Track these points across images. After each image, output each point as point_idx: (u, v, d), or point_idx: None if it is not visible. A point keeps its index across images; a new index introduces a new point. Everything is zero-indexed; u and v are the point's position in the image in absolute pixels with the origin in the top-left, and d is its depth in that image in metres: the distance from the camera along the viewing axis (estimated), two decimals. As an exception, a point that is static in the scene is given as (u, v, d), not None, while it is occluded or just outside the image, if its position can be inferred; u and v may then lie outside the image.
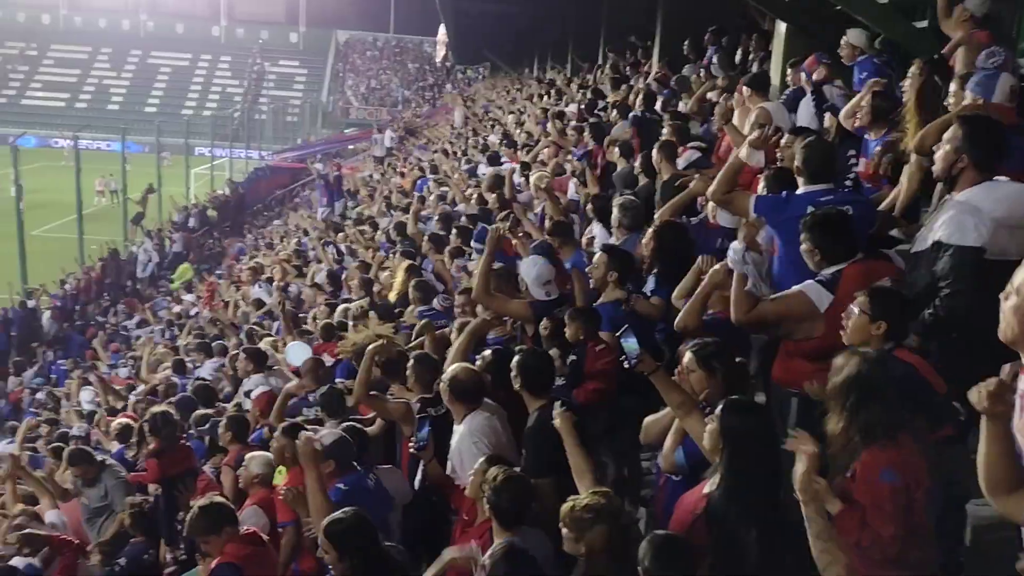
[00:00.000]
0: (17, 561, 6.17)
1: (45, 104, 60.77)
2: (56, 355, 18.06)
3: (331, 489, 4.61)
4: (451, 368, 4.79)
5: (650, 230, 5.40)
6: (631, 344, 3.84)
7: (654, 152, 6.96)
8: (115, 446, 8.50)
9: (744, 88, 7.21)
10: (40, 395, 14.51)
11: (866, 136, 5.53)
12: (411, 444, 4.66)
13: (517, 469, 3.97)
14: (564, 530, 3.36)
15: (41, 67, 64.34)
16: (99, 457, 7.47)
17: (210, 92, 64.23)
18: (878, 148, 5.29)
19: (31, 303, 20.60)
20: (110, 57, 65.67)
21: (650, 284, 5.38)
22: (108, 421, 9.96)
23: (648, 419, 4.19)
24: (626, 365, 3.87)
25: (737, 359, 3.99)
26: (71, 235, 26.83)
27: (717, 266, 4.35)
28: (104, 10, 67.66)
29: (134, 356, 15.06)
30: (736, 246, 4.17)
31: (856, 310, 3.50)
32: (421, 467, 4.88)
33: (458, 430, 4.66)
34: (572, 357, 5.09)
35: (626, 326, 3.98)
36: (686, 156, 7.14)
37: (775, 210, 4.45)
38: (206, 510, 4.61)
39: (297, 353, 7.25)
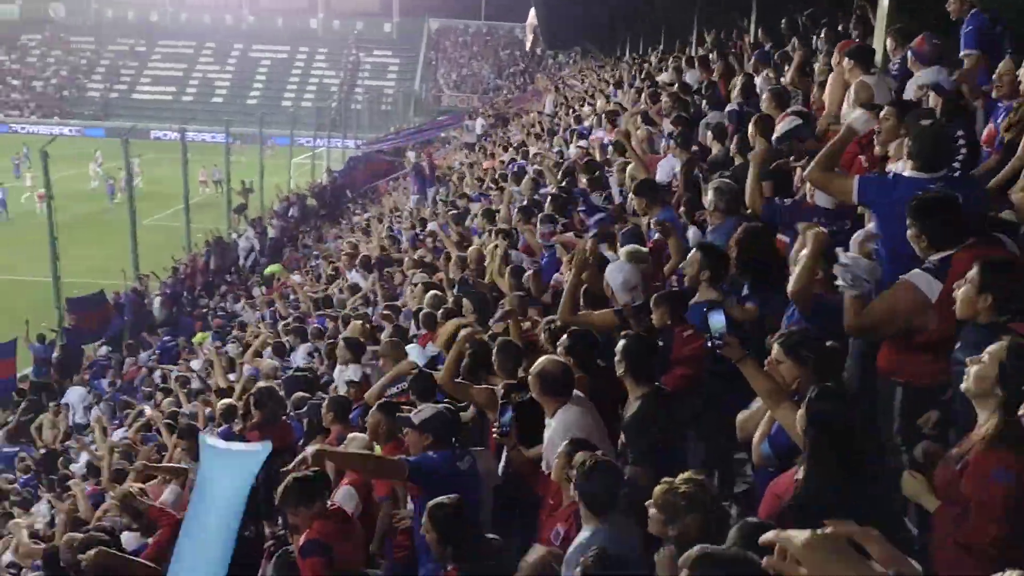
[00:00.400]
0: (126, 536, 6.42)
1: (154, 98, 63.50)
2: (166, 339, 18.89)
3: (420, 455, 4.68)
4: (540, 360, 4.73)
5: (732, 240, 5.12)
6: (718, 321, 3.73)
7: (750, 125, 6.73)
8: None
9: (845, 60, 6.88)
10: (156, 374, 15.22)
11: (1000, 104, 5.29)
12: (494, 430, 4.67)
13: (602, 454, 3.91)
14: (653, 511, 3.31)
15: (150, 62, 67.20)
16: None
17: (308, 83, 65.91)
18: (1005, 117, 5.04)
19: (141, 289, 21.60)
20: (214, 51, 68.08)
21: (746, 289, 5.12)
22: (213, 400, 10.39)
23: (741, 416, 4.09)
24: (710, 344, 3.78)
25: (828, 344, 3.87)
26: (179, 224, 27.99)
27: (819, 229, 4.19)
28: (208, 6, 70.18)
29: (238, 337, 15.64)
30: (844, 259, 3.90)
31: (965, 282, 3.38)
32: (505, 453, 4.87)
33: (550, 424, 4.62)
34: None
35: (710, 303, 3.89)
36: (786, 122, 6.77)
37: (881, 193, 4.25)
38: (301, 481, 4.65)
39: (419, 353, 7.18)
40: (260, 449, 2.29)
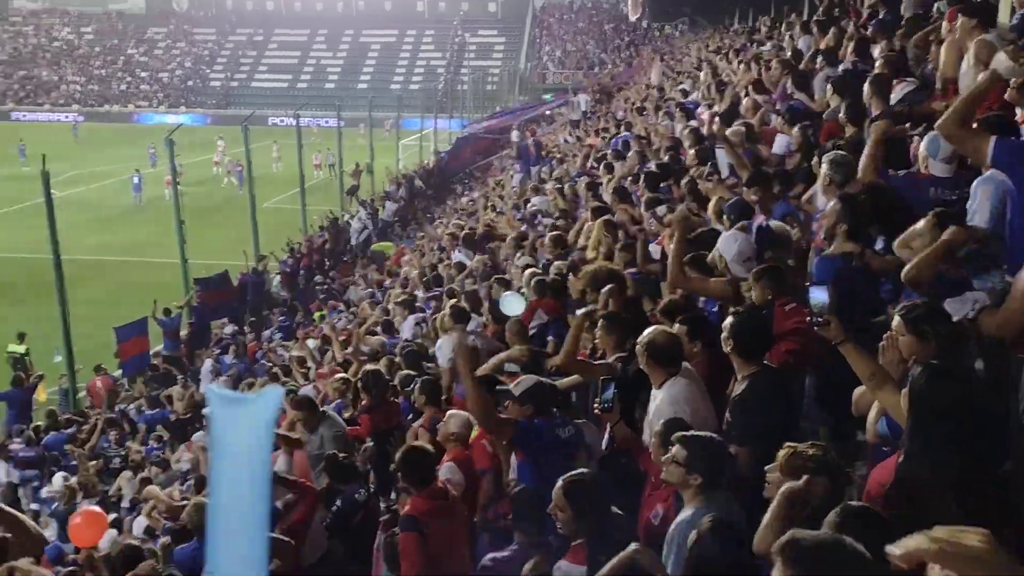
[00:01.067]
0: None
1: (271, 85, 65.81)
2: (285, 317, 19.72)
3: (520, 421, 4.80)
4: (648, 331, 4.68)
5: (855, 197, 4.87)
6: (819, 298, 3.59)
7: (865, 86, 6.45)
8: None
9: (962, 18, 6.51)
10: (279, 351, 15.93)
11: None
12: (595, 405, 4.69)
13: (709, 433, 3.84)
14: (775, 475, 3.25)
15: (267, 51, 69.60)
16: (322, 408, 8.06)
17: (416, 66, 66.91)
18: None
19: (261, 269, 22.57)
20: (326, 38, 69.90)
21: (879, 245, 4.90)
22: (328, 375, 10.82)
23: (857, 391, 3.94)
24: (808, 319, 3.67)
25: (954, 319, 3.66)
26: (295, 206, 29.06)
27: (956, 228, 3.96)
28: (320, -7, 72.08)
29: (353, 312, 16.18)
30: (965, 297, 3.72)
31: None
32: (608, 429, 4.88)
33: (656, 395, 4.55)
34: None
35: (820, 278, 3.76)
36: (900, 88, 6.50)
37: (1019, 156, 3.98)
38: (408, 459, 4.89)
39: (512, 304, 7.06)
40: (270, 394, 2.21)
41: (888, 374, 3.55)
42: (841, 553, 2.08)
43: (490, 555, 4.44)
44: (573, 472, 3.95)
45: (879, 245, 4.90)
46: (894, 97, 6.47)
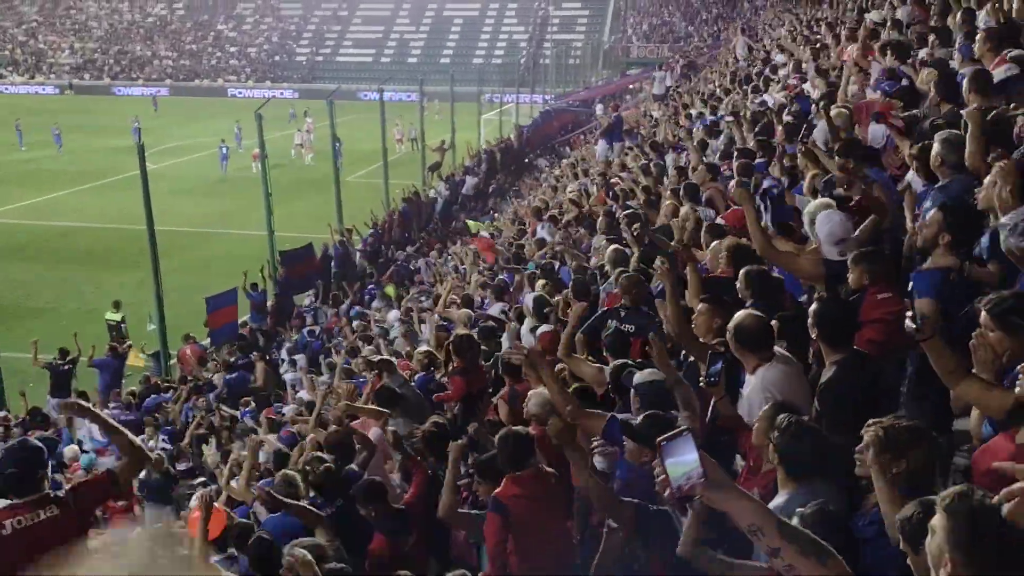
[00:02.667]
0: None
1: (355, 60, 66.61)
2: (370, 287, 19.94)
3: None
4: (737, 315, 4.60)
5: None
6: (925, 303, 3.46)
7: (965, 82, 6.08)
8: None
9: None
10: (356, 322, 16.11)
11: None
12: (701, 378, 4.57)
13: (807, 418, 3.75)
14: (872, 453, 3.13)
15: (351, 26, 70.40)
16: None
17: (498, 40, 66.79)
18: None
19: (346, 240, 22.89)
20: (409, 12, 70.36)
21: (984, 242, 4.49)
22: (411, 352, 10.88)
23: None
24: (908, 324, 3.48)
25: None
26: (378, 180, 29.37)
27: None
28: (404, -33, 72.43)
29: (431, 286, 16.23)
30: None
31: None
32: (712, 403, 4.78)
33: (750, 381, 4.49)
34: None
35: (913, 285, 3.56)
36: (1001, 69, 6.09)
37: None
38: (505, 437, 4.91)
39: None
40: None
41: (969, 369, 3.41)
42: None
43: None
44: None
45: (984, 243, 4.51)
46: (995, 78, 6.04)
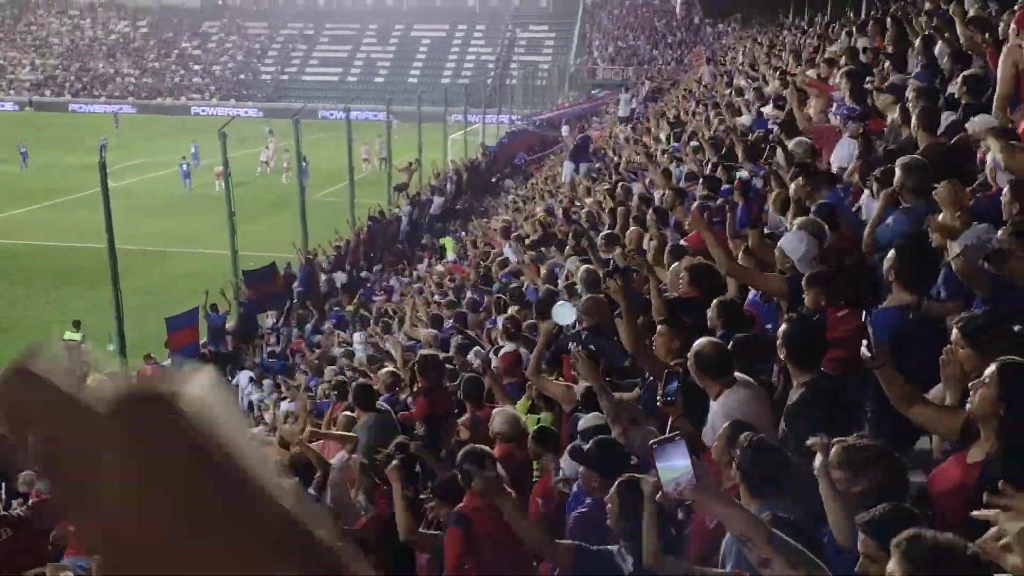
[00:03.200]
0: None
1: (321, 79, 66.46)
2: (332, 311, 19.79)
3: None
4: (697, 343, 4.64)
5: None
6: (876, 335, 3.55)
7: (914, 118, 6.22)
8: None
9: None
10: (318, 338, 15.96)
11: None
12: (658, 398, 4.60)
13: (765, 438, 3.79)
14: (836, 473, 3.22)
15: (318, 45, 70.31)
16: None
17: (465, 60, 67.10)
18: None
19: (311, 259, 22.73)
20: (376, 32, 70.41)
21: (940, 280, 4.64)
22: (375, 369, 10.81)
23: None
24: (863, 351, 3.56)
25: (1016, 328, 3.57)
26: (343, 200, 29.24)
27: None
28: (371, -12, 72.62)
29: (395, 308, 16.18)
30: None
31: None
32: (670, 423, 4.83)
33: (713, 407, 4.53)
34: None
35: (879, 335, 3.65)
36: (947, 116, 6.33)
37: None
38: (471, 453, 4.91)
39: (565, 313, 6.90)
40: None
41: (919, 394, 3.53)
42: (959, 555, 2.08)
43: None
44: (636, 475, 3.88)
45: (940, 280, 4.66)
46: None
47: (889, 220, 5.50)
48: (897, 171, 5.45)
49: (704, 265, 6.07)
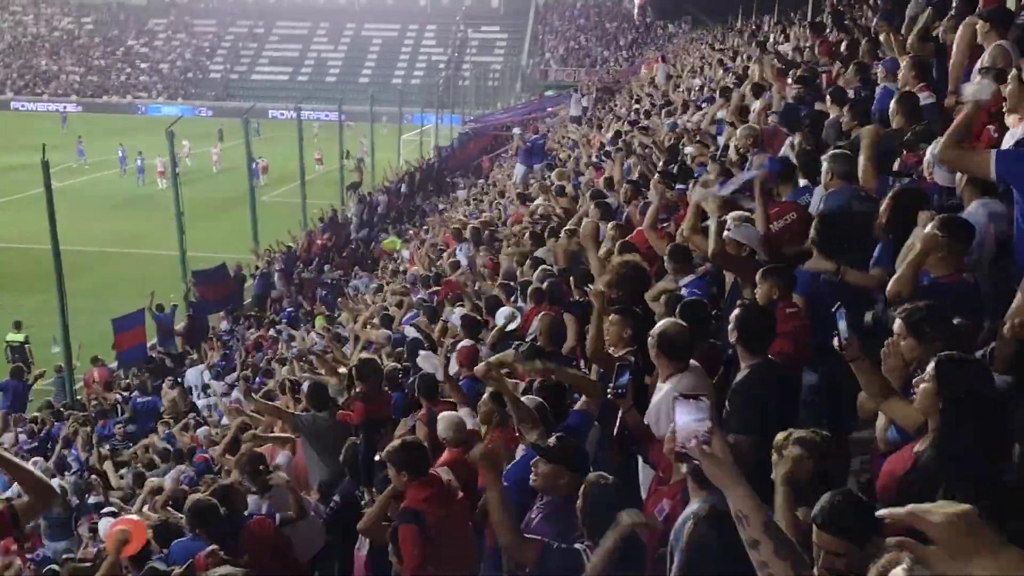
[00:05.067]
0: (250, 500, 6.63)
1: (271, 78, 65.70)
2: (288, 310, 19.58)
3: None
4: (662, 322, 4.70)
5: (889, 195, 4.93)
6: (844, 327, 3.59)
7: (892, 103, 6.39)
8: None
9: (979, 22, 6.39)
10: (282, 335, 15.77)
11: None
12: (608, 390, 4.65)
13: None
14: (775, 456, 3.34)
15: (268, 44, 69.47)
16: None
17: (417, 61, 66.86)
18: None
19: (260, 263, 22.47)
20: (327, 31, 69.81)
21: (877, 252, 4.96)
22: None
23: (863, 396, 3.93)
24: (835, 344, 3.66)
25: (956, 321, 3.69)
26: (295, 200, 28.98)
27: (929, 229, 4.04)
28: (322, -14, 71.98)
29: (350, 308, 16.08)
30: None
31: None
32: (620, 414, 4.87)
33: (662, 388, 4.57)
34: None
35: (839, 305, 3.74)
36: (922, 97, 6.43)
37: (1021, 165, 4.02)
38: (406, 447, 4.92)
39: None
40: None
41: (893, 388, 3.57)
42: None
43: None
44: (600, 473, 3.91)
45: (876, 253, 4.93)
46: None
47: (814, 201, 6.02)
48: (825, 162, 5.81)
49: (634, 264, 6.17)
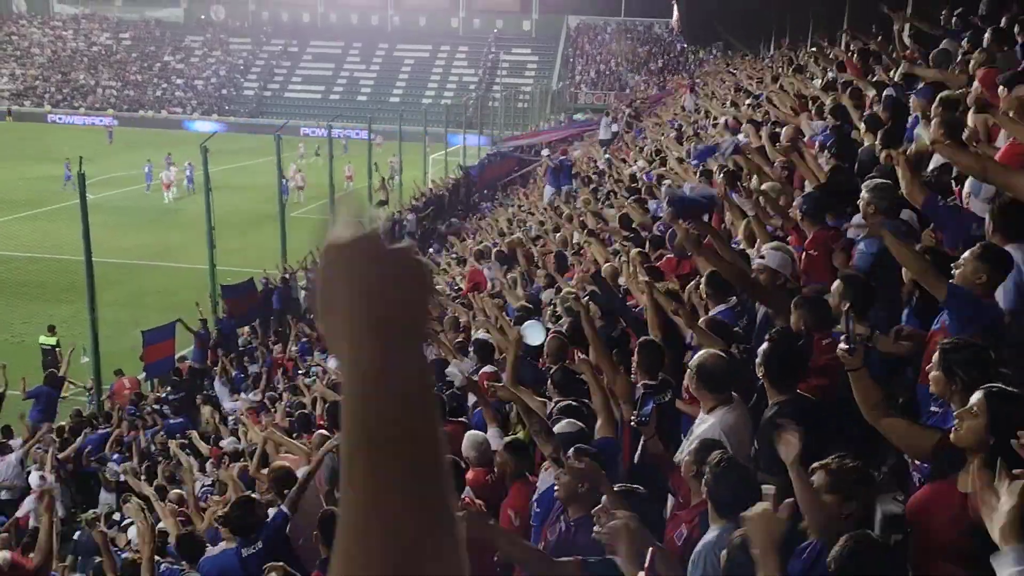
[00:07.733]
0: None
1: (304, 96, 66.47)
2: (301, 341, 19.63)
3: None
4: (701, 353, 4.64)
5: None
6: (851, 328, 3.56)
7: (934, 105, 6.30)
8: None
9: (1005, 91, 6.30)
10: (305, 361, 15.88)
11: None
12: (632, 418, 4.62)
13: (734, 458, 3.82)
14: (828, 497, 3.21)
15: (301, 62, 70.36)
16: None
17: (448, 81, 67.40)
18: None
19: (288, 278, 22.62)
20: (360, 51, 70.60)
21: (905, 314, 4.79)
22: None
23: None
24: (842, 346, 3.59)
25: (987, 354, 3.54)
26: (324, 217, 29.14)
27: (970, 256, 4.00)
28: (356, 7, 72.82)
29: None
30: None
31: None
32: (641, 442, 4.84)
33: (705, 419, 4.47)
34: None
35: (849, 306, 3.70)
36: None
37: None
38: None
39: (535, 333, 6.88)
40: None
41: (888, 407, 3.53)
42: None
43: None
44: (628, 484, 3.89)
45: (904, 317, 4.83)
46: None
47: (861, 245, 5.65)
48: (865, 193, 5.57)
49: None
